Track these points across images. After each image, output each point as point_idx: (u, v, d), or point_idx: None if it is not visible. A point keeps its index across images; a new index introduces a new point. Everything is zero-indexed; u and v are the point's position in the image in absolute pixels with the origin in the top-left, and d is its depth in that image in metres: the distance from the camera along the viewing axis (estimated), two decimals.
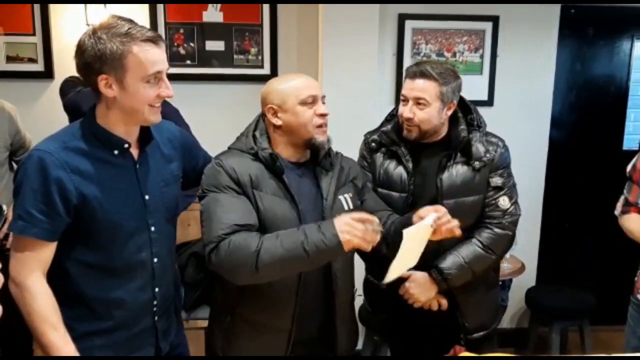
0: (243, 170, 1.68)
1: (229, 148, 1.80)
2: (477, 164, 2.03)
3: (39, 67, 3.38)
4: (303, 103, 1.69)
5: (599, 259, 3.80)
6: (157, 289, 1.66)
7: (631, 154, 2.35)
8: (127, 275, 1.60)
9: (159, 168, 1.67)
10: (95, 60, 1.47)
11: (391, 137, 2.08)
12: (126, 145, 1.57)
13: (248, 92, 3.34)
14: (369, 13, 3.14)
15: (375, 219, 1.54)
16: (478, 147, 2.04)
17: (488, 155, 2.04)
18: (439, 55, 3.41)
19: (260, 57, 3.47)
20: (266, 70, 3.49)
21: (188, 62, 3.45)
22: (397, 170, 2.07)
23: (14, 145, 2.62)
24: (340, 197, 1.76)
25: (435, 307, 2.05)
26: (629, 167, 2.21)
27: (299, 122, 1.71)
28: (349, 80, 3.13)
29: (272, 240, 1.57)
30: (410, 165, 2.06)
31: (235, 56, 3.47)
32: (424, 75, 1.96)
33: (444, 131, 2.06)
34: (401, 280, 1.99)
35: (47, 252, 1.52)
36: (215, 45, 3.45)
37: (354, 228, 1.51)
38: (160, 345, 1.70)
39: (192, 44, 3.43)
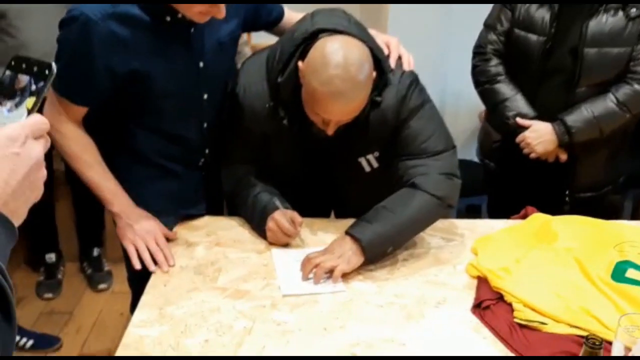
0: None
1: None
2: (633, 11, 1.85)
3: None
4: (316, 113, 1.44)
5: None
6: (206, 150, 1.68)
7: None
8: (178, 139, 1.60)
9: (216, 28, 1.53)
10: None
11: None
12: (179, 15, 1.43)
13: None
14: None
15: (299, 222, 1.56)
16: None
17: None
18: None
19: None
20: None
21: None
22: (540, 11, 1.92)
23: None
24: (361, 159, 1.64)
25: (552, 159, 2.00)
26: None
27: (307, 112, 1.48)
28: None
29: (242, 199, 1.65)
30: (556, 6, 1.89)
31: None
32: None
33: None
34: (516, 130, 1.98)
35: (83, 111, 1.51)
36: None
37: (276, 234, 1.56)
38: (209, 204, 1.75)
39: None
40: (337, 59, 1.35)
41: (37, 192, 0.71)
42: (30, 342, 2.49)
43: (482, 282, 1.46)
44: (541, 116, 1.98)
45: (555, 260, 1.52)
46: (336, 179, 1.72)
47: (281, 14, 1.73)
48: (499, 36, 2.05)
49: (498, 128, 2.15)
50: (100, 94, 1.49)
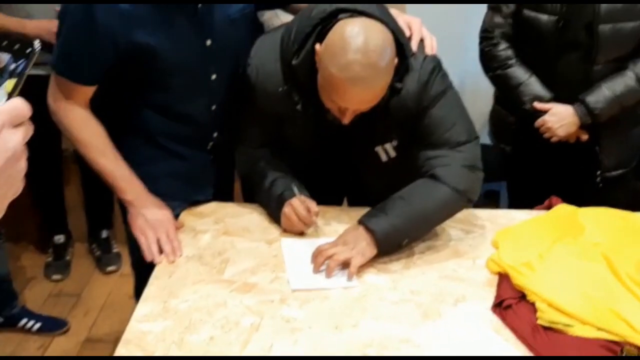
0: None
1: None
2: None
3: None
4: (332, 100, 1.34)
5: None
6: (215, 133, 1.61)
7: None
8: (185, 120, 1.54)
9: (226, 5, 1.46)
10: None
11: None
12: None
13: None
14: None
15: (315, 211, 1.49)
16: None
17: None
18: None
19: None
20: None
21: None
22: None
23: None
24: (378, 148, 1.55)
25: (573, 140, 1.96)
26: None
27: (322, 98, 1.37)
28: None
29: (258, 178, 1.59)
30: None
31: None
32: None
33: None
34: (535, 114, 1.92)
35: (88, 91, 1.45)
36: None
37: (291, 220, 1.49)
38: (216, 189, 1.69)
39: None
40: (357, 43, 1.24)
41: (15, 188, 0.63)
42: (38, 325, 2.46)
43: (503, 278, 1.38)
44: (559, 95, 1.91)
45: (581, 256, 1.43)
46: (351, 166, 1.64)
47: None
48: (506, 18, 1.95)
49: (514, 113, 2.06)
50: (104, 71, 1.42)
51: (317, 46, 1.32)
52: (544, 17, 1.85)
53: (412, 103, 1.42)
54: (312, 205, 1.49)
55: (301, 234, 1.52)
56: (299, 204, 1.49)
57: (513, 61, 1.95)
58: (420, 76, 1.41)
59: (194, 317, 1.25)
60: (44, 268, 2.84)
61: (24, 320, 2.46)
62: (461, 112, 1.49)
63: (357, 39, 1.25)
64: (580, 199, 1.65)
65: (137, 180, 1.52)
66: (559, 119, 1.90)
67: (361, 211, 1.52)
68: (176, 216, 1.58)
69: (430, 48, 1.46)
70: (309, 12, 1.38)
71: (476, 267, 1.45)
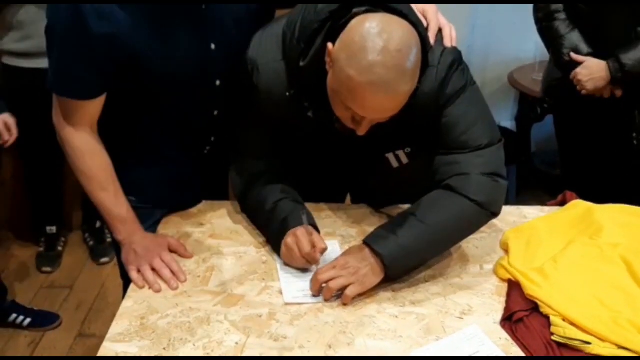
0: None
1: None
2: None
3: None
4: (347, 108, 1.15)
5: None
6: (213, 138, 1.47)
7: None
8: (184, 126, 1.40)
9: (231, 4, 1.32)
10: None
11: None
12: None
13: None
14: None
15: (321, 248, 1.28)
16: None
17: None
18: None
19: None
20: None
21: None
22: None
23: None
24: (389, 154, 1.40)
25: (607, 96, 2.00)
26: None
27: (332, 105, 1.20)
28: None
29: (254, 199, 1.42)
30: None
31: None
32: None
33: None
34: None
35: (93, 107, 1.31)
36: None
37: (292, 253, 1.29)
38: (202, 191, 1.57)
39: None
40: (380, 41, 1.07)
41: None
42: (28, 320, 2.38)
43: (514, 287, 1.26)
44: (603, 53, 1.97)
45: (598, 259, 1.31)
46: (357, 171, 1.48)
47: None
48: None
49: (557, 65, 2.12)
50: (106, 82, 1.27)
51: (330, 45, 1.14)
52: None
53: (429, 103, 1.24)
54: (319, 240, 1.30)
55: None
56: (304, 236, 1.29)
57: (560, 14, 2.03)
58: (439, 72, 1.23)
59: (174, 336, 1.14)
60: (35, 259, 2.75)
61: (13, 316, 2.38)
62: (483, 112, 1.30)
63: (380, 37, 1.07)
64: (615, 162, 1.81)
65: (133, 218, 1.38)
66: (590, 72, 1.97)
67: (361, 211, 1.41)
68: (159, 220, 1.46)
69: (450, 39, 1.28)
70: (313, 3, 1.20)
71: (484, 273, 1.33)
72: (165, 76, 1.28)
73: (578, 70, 1.99)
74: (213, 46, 1.31)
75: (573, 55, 2.00)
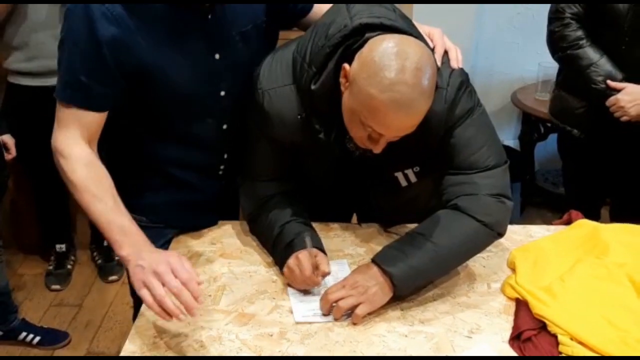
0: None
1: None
2: None
3: None
4: (365, 127, 1.18)
5: None
6: (225, 155, 1.47)
7: None
8: (193, 143, 1.40)
9: (237, 15, 1.33)
10: None
11: None
12: None
13: None
14: None
15: (323, 272, 1.29)
16: None
17: None
18: None
19: None
20: None
21: None
22: None
23: None
24: (398, 173, 1.41)
25: None
26: None
27: (347, 126, 1.23)
28: None
29: (262, 221, 1.43)
30: None
31: None
32: None
33: None
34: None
35: (97, 121, 1.29)
36: None
37: (294, 276, 1.31)
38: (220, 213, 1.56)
39: None
40: (400, 60, 1.10)
41: None
42: (38, 339, 2.39)
43: (522, 306, 1.27)
44: (631, 79, 1.94)
45: (605, 278, 1.33)
46: (365, 190, 1.49)
47: (309, 6, 1.46)
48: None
49: (583, 94, 2.06)
50: (114, 97, 1.29)
51: (346, 66, 1.17)
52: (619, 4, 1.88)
53: (438, 124, 1.27)
54: (323, 263, 1.30)
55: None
56: (306, 260, 1.30)
57: (584, 41, 1.98)
58: (448, 94, 1.26)
59: (187, 355, 1.16)
60: (44, 277, 2.77)
61: (23, 334, 2.39)
62: (490, 133, 1.33)
63: (399, 56, 1.10)
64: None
65: (136, 231, 1.24)
66: (633, 98, 1.92)
67: (371, 230, 1.42)
68: (170, 239, 1.48)
69: (456, 61, 1.31)
70: (324, 28, 1.22)
71: (491, 292, 1.34)
72: (171, 85, 1.30)
73: (619, 96, 1.92)
74: (217, 56, 1.33)
75: (611, 83, 1.93)
